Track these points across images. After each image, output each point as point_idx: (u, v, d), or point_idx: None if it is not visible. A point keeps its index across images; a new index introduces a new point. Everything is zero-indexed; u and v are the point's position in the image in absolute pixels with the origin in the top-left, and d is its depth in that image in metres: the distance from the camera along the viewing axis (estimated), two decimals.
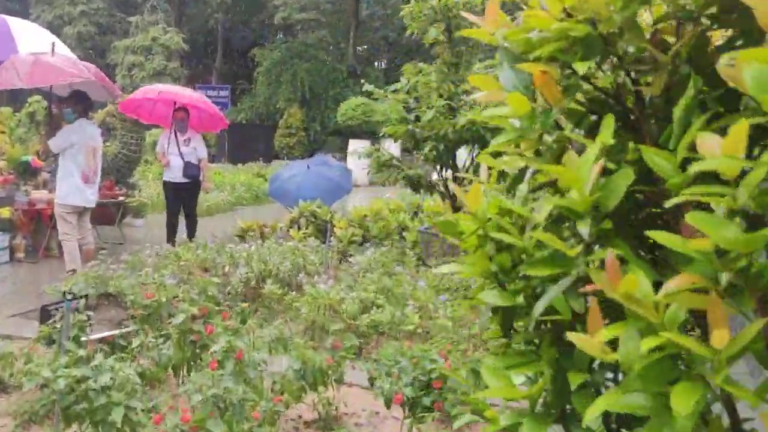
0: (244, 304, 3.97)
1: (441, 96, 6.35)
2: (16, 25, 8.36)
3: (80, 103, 6.62)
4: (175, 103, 8.59)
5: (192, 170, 8.19)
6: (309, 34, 26.83)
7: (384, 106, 19.32)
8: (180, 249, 6.56)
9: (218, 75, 36.39)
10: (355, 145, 20.15)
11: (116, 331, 3.85)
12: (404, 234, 7.85)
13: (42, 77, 6.61)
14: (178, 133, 8.31)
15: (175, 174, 8.23)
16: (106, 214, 9.31)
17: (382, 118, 18.53)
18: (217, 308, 3.77)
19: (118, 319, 5.51)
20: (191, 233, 8.39)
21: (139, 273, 5.94)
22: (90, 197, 6.65)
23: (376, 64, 43.07)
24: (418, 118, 6.47)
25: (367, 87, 6.65)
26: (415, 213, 9.32)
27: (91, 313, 5.03)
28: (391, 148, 21.73)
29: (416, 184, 6.54)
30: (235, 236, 8.41)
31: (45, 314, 4.74)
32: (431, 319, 4.58)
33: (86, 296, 5.06)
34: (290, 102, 25.77)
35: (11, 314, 5.68)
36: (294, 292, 5.12)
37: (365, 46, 35.93)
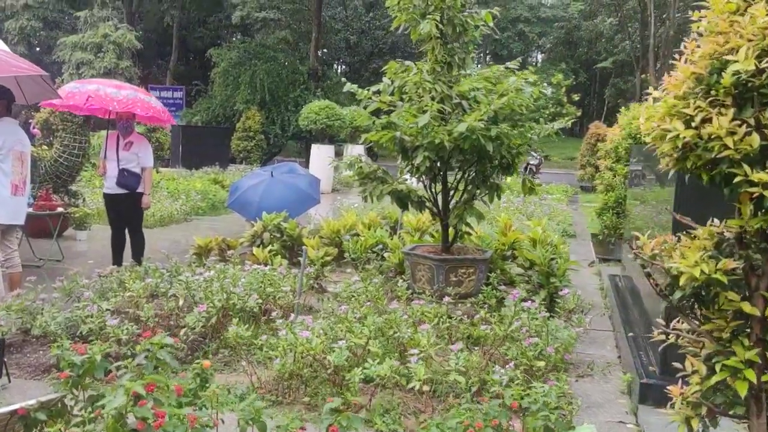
0: (205, 362, 3.03)
1: (433, 99, 5.49)
2: None
3: (2, 98, 5.56)
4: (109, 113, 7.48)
5: (128, 179, 7.07)
6: (269, 34, 25.75)
7: (349, 111, 18.39)
8: (126, 273, 5.56)
9: (173, 76, 35.03)
10: (318, 151, 19.24)
11: (31, 402, 2.87)
12: (385, 254, 6.97)
13: None
14: (120, 136, 7.25)
15: (110, 183, 7.14)
16: (42, 227, 8.20)
17: (352, 123, 17.59)
18: (171, 373, 2.83)
19: (47, 364, 4.51)
20: (136, 253, 7.34)
21: (76, 305, 4.94)
22: (19, 212, 5.58)
23: (335, 66, 42.18)
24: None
25: (349, 87, 5.75)
26: (394, 229, 8.45)
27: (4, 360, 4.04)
28: (353, 153, 20.93)
29: (404, 200, 5.66)
30: (192, 254, 7.40)
31: None
32: (439, 373, 3.73)
33: (1, 342, 4.03)
34: (248, 104, 24.66)
35: None
36: (264, 335, 4.19)
37: (324, 49, 35.01)
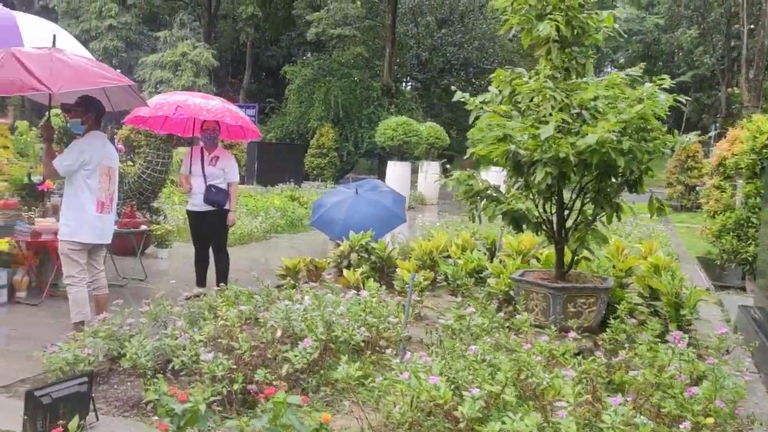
0: (325, 416, 2.52)
1: (553, 108, 4.91)
2: (22, 18, 7.11)
3: (91, 110, 5.28)
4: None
5: (216, 196, 6.79)
6: (344, 50, 25.59)
7: (425, 127, 17.89)
8: (217, 299, 5.17)
9: (245, 93, 35.38)
10: (395, 168, 18.80)
11: None
12: (488, 279, 6.39)
13: (73, 79, 5.04)
14: (204, 150, 6.96)
15: (196, 200, 6.86)
16: (125, 245, 7.97)
17: (428, 139, 17.11)
18: None
19: (136, 398, 4.12)
20: (221, 272, 7.00)
21: (164, 332, 4.57)
22: (106, 231, 5.27)
23: (403, 83, 41.89)
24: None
25: (459, 96, 5.24)
26: (490, 251, 7.85)
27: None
28: (429, 170, 20.39)
29: (520, 221, 5.08)
30: (278, 276, 6.99)
31: (32, 405, 3.36)
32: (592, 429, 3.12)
33: (90, 374, 3.65)
34: (322, 121, 24.50)
35: None
36: (371, 372, 3.68)
37: (395, 66, 34.74)
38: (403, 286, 6.32)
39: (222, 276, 6.98)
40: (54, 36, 5.57)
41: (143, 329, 4.80)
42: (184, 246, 10.18)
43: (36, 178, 6.59)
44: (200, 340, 3.99)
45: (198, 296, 6.91)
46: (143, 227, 7.88)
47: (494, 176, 17.04)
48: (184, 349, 3.99)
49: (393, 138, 17.68)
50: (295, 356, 3.69)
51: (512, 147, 4.92)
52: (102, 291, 5.35)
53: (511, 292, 5.95)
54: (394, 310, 4.84)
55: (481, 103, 5.50)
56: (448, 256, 7.66)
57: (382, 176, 26.48)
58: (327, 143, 23.95)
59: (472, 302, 5.03)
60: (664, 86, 4.99)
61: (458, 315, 4.60)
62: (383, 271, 7.60)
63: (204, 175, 6.78)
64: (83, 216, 5.15)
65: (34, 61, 5.05)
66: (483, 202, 5.08)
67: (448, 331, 4.57)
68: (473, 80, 43.99)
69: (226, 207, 6.84)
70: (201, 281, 7.15)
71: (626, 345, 4.46)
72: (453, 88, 42.22)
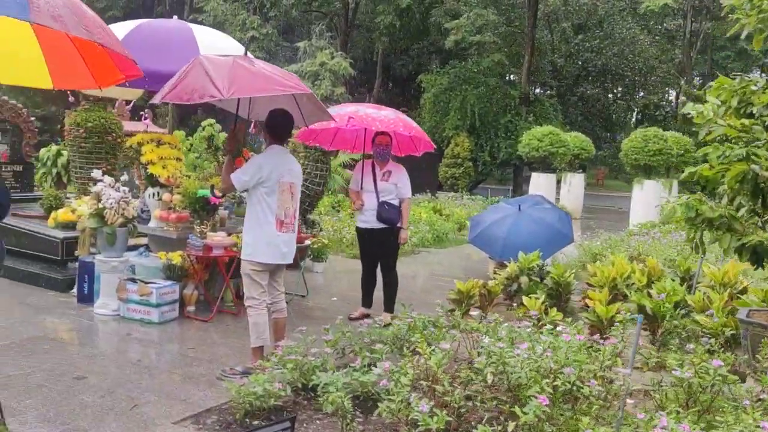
0: None
1: None
2: (200, 31, 7.08)
3: (272, 125, 5.02)
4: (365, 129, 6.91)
5: (389, 213, 6.42)
6: (484, 58, 24.90)
7: (571, 137, 16.76)
8: (407, 329, 4.74)
9: (375, 102, 35.50)
10: (539, 180, 17.96)
11: None
12: (696, 316, 5.58)
13: (247, 86, 4.79)
14: (376, 165, 6.61)
15: (368, 217, 6.51)
16: None
17: (575, 150, 16.00)
18: None
19: None
20: (389, 294, 6.61)
21: (352, 365, 4.18)
22: (285, 251, 4.97)
23: (537, 90, 40.56)
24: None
25: (690, 108, 4.52)
26: (683, 280, 6.97)
27: None
28: (573, 182, 19.32)
29: (764, 256, 4.28)
30: (450, 300, 6.50)
31: None
32: None
33: (293, 419, 3.29)
34: (458, 130, 23.93)
35: (178, 418, 4.03)
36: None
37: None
38: (598, 322, 5.63)
39: (390, 299, 6.60)
40: (246, 48, 5.41)
41: (327, 359, 4.46)
42: (335, 259, 9.97)
43: (204, 192, 6.47)
44: (406, 386, 3.53)
45: (365, 317, 6.58)
46: (306, 242, 7.65)
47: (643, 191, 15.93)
48: (390, 394, 3.54)
49: (538, 148, 16.85)
50: (525, 413, 3.15)
51: (755, 168, 4.15)
52: (281, 314, 5.06)
53: (729, 332, 5.14)
54: (608, 355, 4.19)
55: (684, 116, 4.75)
56: (632, 284, 6.88)
57: (518, 187, 25.61)
58: (462, 153, 23.36)
59: (697, 347, 4.29)
60: None
61: (701, 367, 3.88)
62: (560, 298, 6.94)
63: (376, 191, 6.43)
64: (263, 235, 4.88)
65: (216, 66, 4.87)
66: (718, 232, 4.32)
67: (683, 384, 3.88)
68: (610, 87, 42.01)
69: (399, 225, 6.46)
70: (367, 302, 6.80)
71: None
72: (588, 95, 40.70)
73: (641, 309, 5.99)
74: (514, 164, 24.87)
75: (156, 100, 5.15)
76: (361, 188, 6.56)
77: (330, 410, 3.58)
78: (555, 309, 5.96)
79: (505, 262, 7.79)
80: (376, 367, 4.16)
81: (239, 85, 4.71)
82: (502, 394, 3.84)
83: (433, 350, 3.86)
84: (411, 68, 36.16)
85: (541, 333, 4.37)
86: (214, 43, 6.80)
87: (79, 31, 3.17)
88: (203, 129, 12.15)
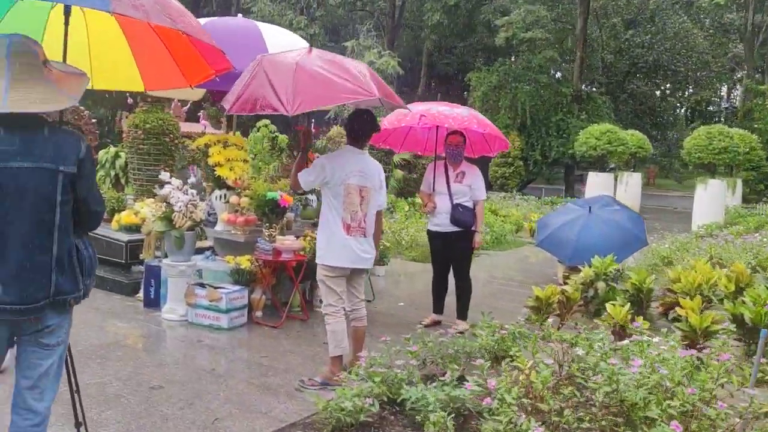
0: None
1: None
2: (266, 28, 6.92)
3: (361, 127, 4.80)
4: (437, 126, 6.69)
5: (463, 215, 6.16)
6: (535, 54, 24.41)
7: (629, 134, 16.15)
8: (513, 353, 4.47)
9: (420, 101, 35.19)
10: (596, 179, 17.46)
11: None
12: None
13: (311, 97, 4.54)
14: (449, 166, 6.36)
15: (441, 221, 6.26)
16: None
17: (632, 148, 15.45)
18: None
19: None
20: (462, 303, 6.35)
21: (441, 379, 3.94)
22: (361, 254, 4.73)
23: (586, 88, 39.72)
24: None
25: None
26: None
27: None
28: (630, 181, 18.74)
29: None
30: (528, 307, 6.21)
31: None
32: None
33: None
34: (508, 129, 23.51)
35: None
36: None
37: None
38: (691, 332, 5.28)
39: (464, 305, 6.34)
40: (310, 47, 5.22)
41: (413, 372, 4.23)
42: (396, 262, 9.75)
43: (273, 195, 6.31)
44: (512, 404, 3.27)
45: (435, 324, 6.34)
46: None
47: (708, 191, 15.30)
48: (491, 412, 3.29)
49: (596, 147, 16.35)
50: None
51: None
52: (360, 322, 4.84)
53: None
54: (722, 371, 3.86)
55: None
56: (708, 294, 6.48)
57: (569, 187, 25.04)
58: (512, 151, 22.94)
59: None
60: None
61: None
62: (641, 305, 6.58)
63: (449, 193, 6.18)
64: (331, 238, 4.67)
65: (279, 73, 4.67)
66: None
67: None
68: (660, 83, 40.93)
69: (473, 228, 6.20)
70: (438, 308, 6.56)
71: None
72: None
73: (736, 318, 5.61)
74: (566, 163, 24.33)
75: (227, 110, 5.02)
76: (433, 190, 6.32)
77: (432, 431, 3.33)
78: (641, 317, 5.65)
79: (579, 266, 7.47)
80: (467, 381, 3.94)
81: (303, 97, 4.50)
82: (610, 413, 3.55)
83: (536, 365, 3.59)
84: (456, 67, 35.80)
85: (646, 346, 4.07)
86: (280, 40, 6.64)
87: (162, 19, 2.98)
88: (258, 130, 12.06)
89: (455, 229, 6.14)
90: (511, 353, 4.11)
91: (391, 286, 8.47)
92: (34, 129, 2.49)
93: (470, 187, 6.21)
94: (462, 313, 6.34)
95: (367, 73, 4.87)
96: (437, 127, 6.58)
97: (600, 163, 17.48)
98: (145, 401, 4.19)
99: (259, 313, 6.33)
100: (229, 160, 6.47)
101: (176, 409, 4.11)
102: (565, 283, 7.78)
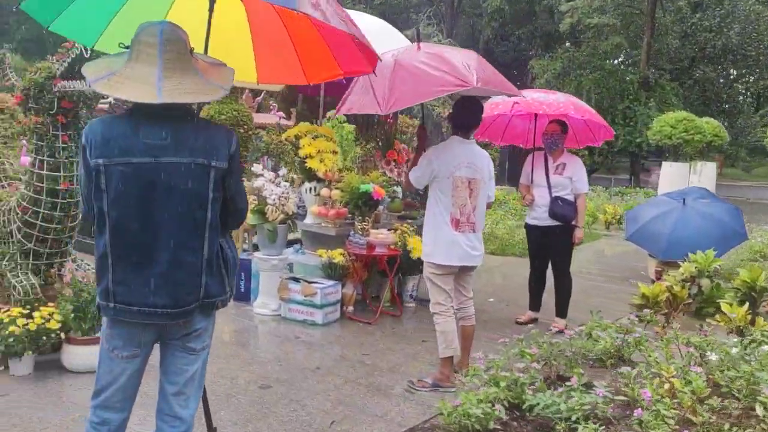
0: None
1: None
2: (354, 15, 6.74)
3: (467, 115, 4.59)
4: (536, 115, 6.44)
5: (563, 209, 5.88)
6: (601, 41, 23.71)
7: (705, 122, 15.37)
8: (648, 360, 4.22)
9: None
10: (671, 169, 16.80)
11: None
12: None
13: (406, 95, 4.41)
14: (548, 156, 6.09)
15: (539, 214, 5.99)
16: None
17: (708, 137, 14.72)
18: None
19: None
20: (562, 301, 6.08)
21: (568, 385, 3.71)
22: (470, 251, 4.51)
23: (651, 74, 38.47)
24: None
25: None
26: None
27: None
28: (704, 171, 17.99)
29: None
30: (633, 305, 5.91)
31: None
32: None
33: None
34: None
35: None
36: None
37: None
38: None
39: (563, 303, 6.07)
40: (418, 31, 5.04)
41: (536, 375, 4.01)
42: None
43: (366, 187, 6.14)
44: (670, 418, 3.02)
45: (532, 321, 6.10)
46: None
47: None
48: (642, 425, 3.05)
49: (671, 136, 15.72)
50: None
51: None
52: (468, 321, 4.64)
53: None
54: None
55: None
56: None
57: (635, 176, 24.33)
58: None
59: None
60: None
61: None
62: (754, 305, 6.20)
63: (549, 186, 5.91)
64: (438, 234, 4.46)
65: (379, 73, 4.46)
66: None
67: None
68: (729, 69, 39.31)
69: (574, 222, 5.92)
70: (535, 305, 6.32)
71: None
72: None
73: None
74: (633, 152, 23.59)
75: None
76: (532, 182, 6.07)
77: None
78: (760, 318, 5.31)
79: (677, 261, 7.12)
80: (595, 386, 3.72)
81: (398, 95, 4.40)
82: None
83: (686, 373, 3.33)
84: (512, 55, 35.10)
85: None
86: (380, 34, 6.44)
87: (337, 22, 2.87)
88: (328, 120, 11.93)
89: (554, 223, 5.88)
90: (631, 357, 3.85)
91: (475, 280, 8.22)
92: (183, 122, 2.35)
93: (571, 179, 5.93)
94: (561, 310, 6.08)
95: (473, 63, 4.63)
96: (536, 116, 6.32)
97: (672, 153, 16.80)
98: (258, 401, 4.08)
99: (350, 309, 6.20)
100: (319, 151, 6.32)
101: (289, 410, 3.98)
102: (659, 279, 7.45)
